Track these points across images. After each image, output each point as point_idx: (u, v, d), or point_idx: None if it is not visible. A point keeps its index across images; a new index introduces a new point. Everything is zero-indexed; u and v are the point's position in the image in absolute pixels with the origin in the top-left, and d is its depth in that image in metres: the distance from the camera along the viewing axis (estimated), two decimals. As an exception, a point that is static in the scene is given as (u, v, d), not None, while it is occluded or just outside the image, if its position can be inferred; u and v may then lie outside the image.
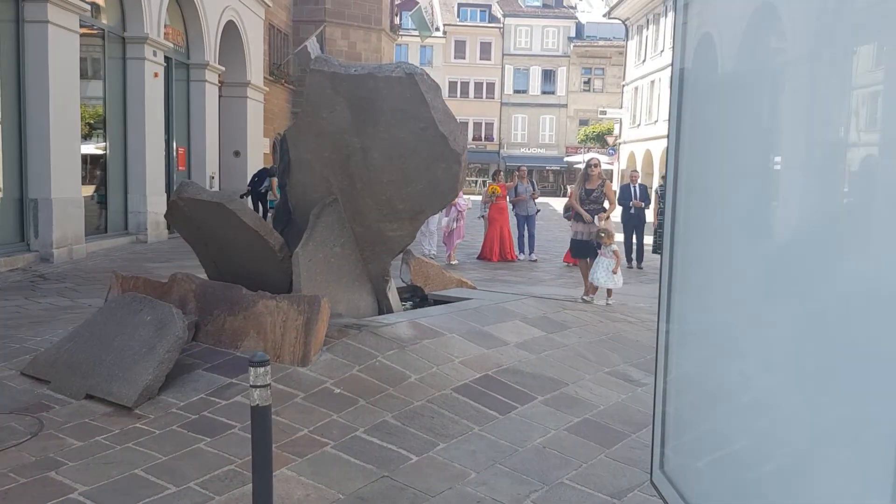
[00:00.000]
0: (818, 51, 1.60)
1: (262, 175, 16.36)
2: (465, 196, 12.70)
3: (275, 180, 15.66)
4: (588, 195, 9.76)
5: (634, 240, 12.98)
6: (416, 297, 6.83)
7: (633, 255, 12.90)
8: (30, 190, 10.42)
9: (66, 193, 10.88)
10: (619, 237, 12.40)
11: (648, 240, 13.20)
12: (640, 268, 12.67)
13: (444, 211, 12.95)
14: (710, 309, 2.06)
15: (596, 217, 9.45)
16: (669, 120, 2.10)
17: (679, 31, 2.06)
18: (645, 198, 13.11)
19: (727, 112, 1.98)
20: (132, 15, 13.30)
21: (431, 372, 4.63)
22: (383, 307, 5.91)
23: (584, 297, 8.44)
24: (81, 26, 11.42)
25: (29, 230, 10.46)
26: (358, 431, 3.85)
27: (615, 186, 23.29)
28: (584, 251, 9.17)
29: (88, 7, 11.57)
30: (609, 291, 8.51)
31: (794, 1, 1.71)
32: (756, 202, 1.85)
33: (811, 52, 1.63)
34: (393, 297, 6.00)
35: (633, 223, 13.01)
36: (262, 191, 16.08)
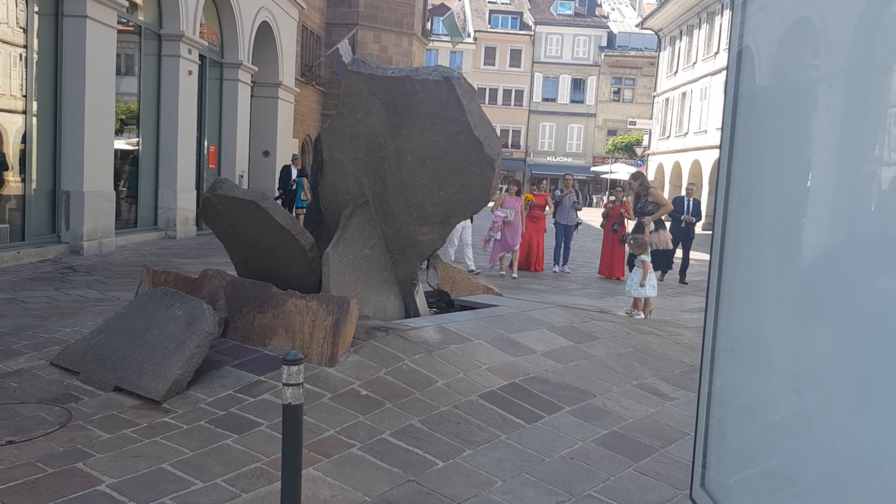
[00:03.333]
0: (877, 65, 1.55)
1: (285, 172, 16.46)
2: (504, 209, 12.10)
3: (305, 180, 15.79)
4: (636, 208, 10.12)
5: (680, 254, 12.80)
6: (443, 302, 6.81)
7: (678, 270, 12.76)
8: (62, 182, 10.56)
9: (98, 187, 11.02)
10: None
11: (695, 255, 13.02)
12: (685, 283, 12.49)
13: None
14: (756, 324, 2.02)
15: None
16: (722, 129, 2.06)
17: (735, 34, 2.01)
18: (697, 212, 12.90)
19: (778, 123, 1.94)
20: (169, 12, 13.46)
21: (458, 377, 4.60)
22: (410, 311, 5.89)
23: (628, 311, 8.38)
24: (119, 22, 11.57)
25: (60, 222, 10.60)
26: (384, 434, 3.83)
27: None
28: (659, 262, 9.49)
29: (126, 3, 11.72)
30: (647, 303, 8.45)
31: (837, 13, 1.67)
32: (800, 218, 1.82)
33: (867, 67, 1.59)
34: (420, 300, 5.99)
35: (681, 237, 12.74)
36: (292, 188, 16.17)
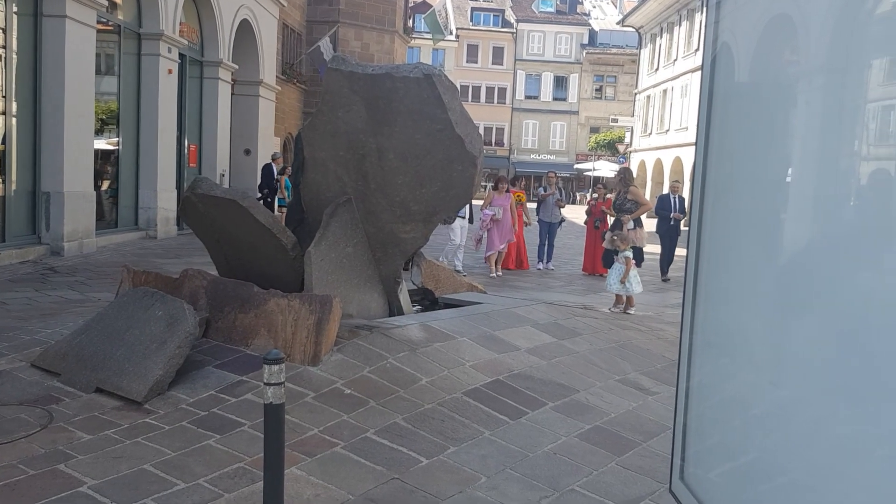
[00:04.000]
0: (851, 62, 1.57)
1: (266, 171, 16.39)
2: (493, 207, 12.05)
3: (283, 179, 15.73)
4: (616, 206, 10.23)
5: (657, 251, 12.86)
6: (427, 300, 6.81)
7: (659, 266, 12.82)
8: (42, 183, 10.45)
9: (79, 187, 10.92)
10: (656, 248, 12.36)
11: (680, 251, 13.07)
12: (667, 279, 12.55)
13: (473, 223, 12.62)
14: (733, 318, 2.04)
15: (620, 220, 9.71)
16: (698, 126, 2.08)
17: (710, 32, 2.03)
18: (683, 209, 12.94)
19: (755, 118, 1.96)
20: (148, 11, 13.35)
21: (442, 375, 4.61)
22: (394, 309, 5.89)
23: (612, 308, 8.42)
24: (98, 22, 11.46)
25: (40, 223, 10.49)
26: (368, 433, 3.83)
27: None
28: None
29: (105, 3, 11.61)
30: (629, 300, 8.50)
31: (814, 8, 1.69)
32: (778, 213, 1.84)
33: (841, 64, 1.61)
34: (404, 299, 5.99)
35: (669, 234, 12.80)
36: (275, 185, 16.10)
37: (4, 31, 9.71)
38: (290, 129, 24.64)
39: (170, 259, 11.17)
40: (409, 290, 6.29)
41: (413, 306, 6.26)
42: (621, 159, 42.56)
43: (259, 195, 15.95)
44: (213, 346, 4.77)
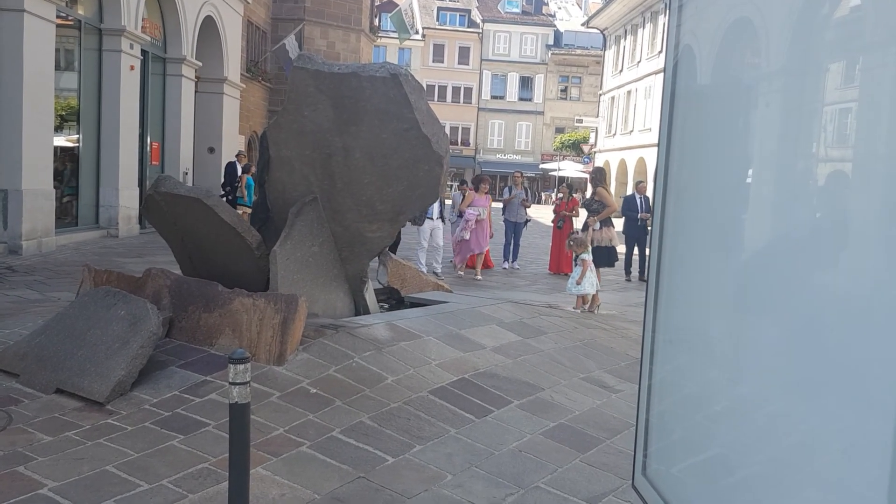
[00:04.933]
0: (808, 66, 1.62)
1: (230, 169, 16.22)
2: (476, 207, 11.95)
3: (244, 178, 15.54)
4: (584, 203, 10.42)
5: (637, 252, 12.97)
6: (393, 299, 6.82)
7: (634, 268, 12.90)
8: (0, 181, 10.23)
9: (37, 185, 10.71)
10: (622, 248, 12.45)
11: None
12: (644, 280, 12.65)
13: (450, 224, 12.48)
14: (694, 317, 2.08)
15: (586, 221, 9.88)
16: (660, 125, 2.11)
17: (672, 35, 2.07)
18: (648, 209, 13.04)
19: (715, 120, 2.00)
20: (110, 7, 13.13)
21: (408, 374, 4.61)
22: (360, 308, 5.88)
23: (574, 308, 8.50)
24: (58, 17, 11.25)
25: (-3, 221, 10.28)
26: (334, 432, 3.83)
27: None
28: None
29: (65, -3, 11.42)
30: (594, 298, 8.60)
31: (774, 13, 1.73)
32: (737, 213, 1.88)
33: (797, 66, 1.65)
34: (370, 298, 5.98)
35: (636, 235, 12.89)
36: (237, 184, 15.94)
37: (-40, 24, 9.49)
38: (255, 127, 24.42)
39: (132, 258, 11.01)
40: (375, 290, 6.29)
41: (379, 305, 6.26)
42: (586, 159, 42.94)
43: (222, 193, 15.77)
44: (176, 346, 4.72)
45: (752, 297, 1.77)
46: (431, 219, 11.48)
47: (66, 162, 12.80)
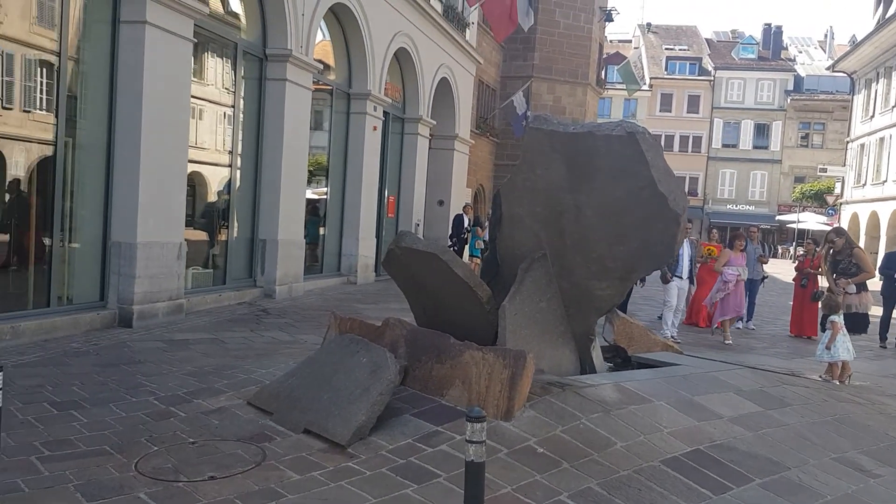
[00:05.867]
0: None
1: (457, 220, 16.99)
2: (735, 267, 10.95)
3: (479, 229, 16.23)
4: (835, 266, 9.34)
5: (880, 313, 11.64)
6: (619, 358, 6.63)
7: (892, 334, 11.55)
8: (259, 231, 11.44)
9: (290, 235, 11.83)
10: (876, 311, 11.23)
11: None
12: (884, 346, 11.34)
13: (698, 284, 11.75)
14: None
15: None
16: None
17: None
18: None
19: None
20: (358, 73, 14.36)
21: (638, 440, 4.44)
22: (586, 366, 5.79)
23: (822, 376, 7.77)
24: (313, 83, 12.48)
25: (256, 268, 11.46)
26: (562, 496, 3.76)
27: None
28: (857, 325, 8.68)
29: (321, 67, 12.64)
30: (844, 368, 7.80)
31: None
32: None
33: None
34: (597, 356, 5.88)
35: (893, 295, 11.58)
36: (464, 236, 16.63)
37: (233, 93, 10.82)
38: (482, 180, 25.28)
39: (368, 304, 11.74)
40: (601, 347, 6.16)
41: (605, 364, 6.12)
42: (830, 211, 39.49)
43: (449, 244, 16.49)
44: (410, 394, 4.91)
45: None
46: (681, 278, 10.85)
47: (314, 213, 14.03)
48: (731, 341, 10.70)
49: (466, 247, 16.74)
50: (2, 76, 7.25)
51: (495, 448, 4.19)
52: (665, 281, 10.73)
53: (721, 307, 11.00)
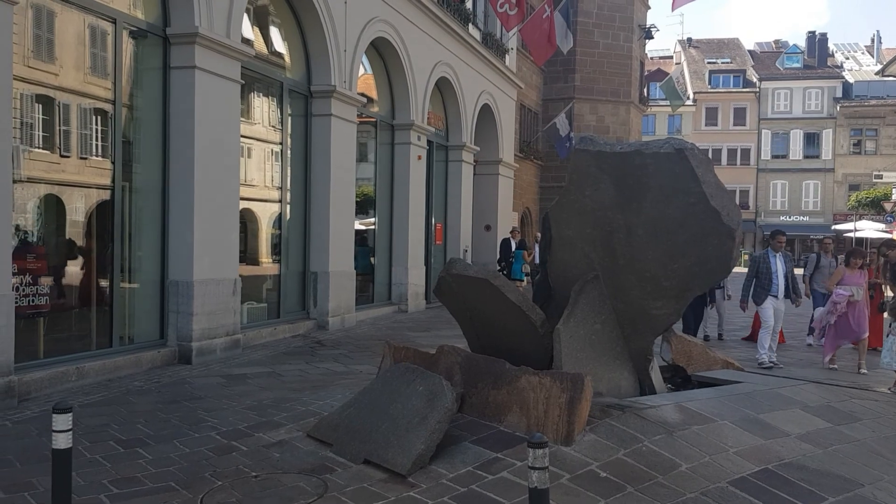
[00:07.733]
0: None
1: (504, 245, 17.00)
2: (847, 286, 9.45)
3: (525, 253, 16.24)
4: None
5: None
6: (678, 378, 6.52)
7: None
8: (311, 264, 11.60)
9: (341, 267, 11.95)
10: None
11: None
12: None
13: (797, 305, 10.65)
14: None
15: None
16: None
17: None
18: None
19: None
20: (400, 104, 14.54)
21: (703, 461, 4.34)
22: (645, 387, 5.70)
23: (891, 389, 7.48)
24: (357, 116, 12.68)
25: (309, 300, 11.60)
26: (628, 520, 3.69)
27: None
28: None
29: (364, 101, 12.83)
30: None
31: None
32: None
33: None
34: (655, 377, 5.78)
35: None
36: (511, 259, 16.64)
37: (281, 130, 11.05)
38: (528, 203, 25.24)
39: (421, 332, 11.76)
40: (659, 367, 6.07)
41: (665, 385, 6.01)
42: (888, 218, 38.35)
43: (498, 268, 16.49)
44: (468, 421, 4.90)
45: None
46: (775, 297, 9.70)
47: (363, 244, 14.16)
48: (832, 367, 9.50)
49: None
50: (59, 125, 7.53)
51: (557, 474, 4.14)
52: (757, 302, 9.77)
53: (835, 332, 9.59)
